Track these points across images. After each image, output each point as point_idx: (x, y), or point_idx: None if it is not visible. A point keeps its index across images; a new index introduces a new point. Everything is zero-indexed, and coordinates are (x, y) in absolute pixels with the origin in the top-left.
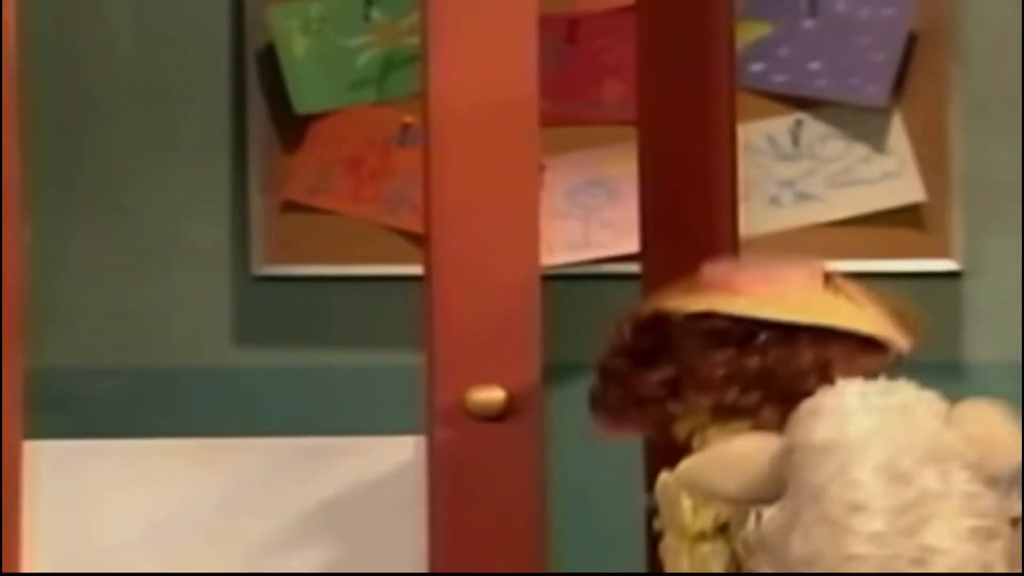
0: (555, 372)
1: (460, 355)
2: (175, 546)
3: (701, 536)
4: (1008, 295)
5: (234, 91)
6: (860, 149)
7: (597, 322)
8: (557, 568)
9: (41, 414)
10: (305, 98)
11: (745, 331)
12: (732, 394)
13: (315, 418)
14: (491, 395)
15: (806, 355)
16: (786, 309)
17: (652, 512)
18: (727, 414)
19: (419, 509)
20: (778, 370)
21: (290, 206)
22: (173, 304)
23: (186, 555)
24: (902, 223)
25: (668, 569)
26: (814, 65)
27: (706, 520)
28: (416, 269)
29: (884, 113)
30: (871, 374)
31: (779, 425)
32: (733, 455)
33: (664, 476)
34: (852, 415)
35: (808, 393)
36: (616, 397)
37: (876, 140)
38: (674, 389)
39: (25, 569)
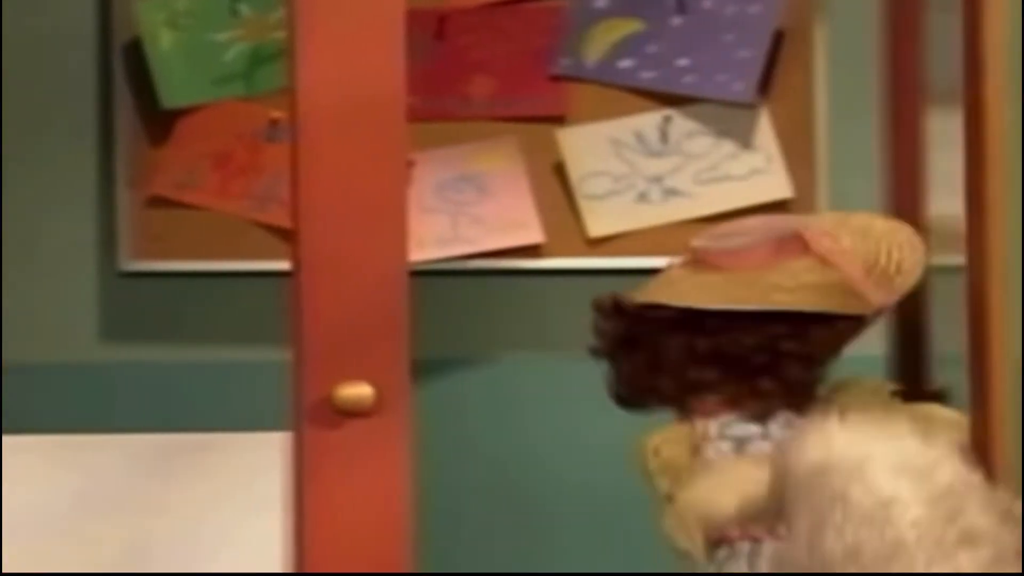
0: (424, 368)
1: (328, 351)
2: (29, 543)
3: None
4: None
5: (100, 86)
6: (728, 145)
7: (466, 317)
8: (422, 564)
9: None
10: (172, 93)
11: (694, 315)
12: (692, 372)
13: (182, 414)
14: (359, 391)
15: (749, 335)
16: (726, 296)
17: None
18: (692, 390)
19: (286, 505)
20: (727, 349)
21: (157, 201)
22: (39, 299)
23: (40, 553)
24: None
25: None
26: (682, 62)
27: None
28: (284, 265)
29: (751, 109)
30: (846, 336)
31: (748, 397)
32: (732, 484)
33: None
34: (835, 435)
35: (766, 367)
36: (611, 379)
37: (743, 136)
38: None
39: None
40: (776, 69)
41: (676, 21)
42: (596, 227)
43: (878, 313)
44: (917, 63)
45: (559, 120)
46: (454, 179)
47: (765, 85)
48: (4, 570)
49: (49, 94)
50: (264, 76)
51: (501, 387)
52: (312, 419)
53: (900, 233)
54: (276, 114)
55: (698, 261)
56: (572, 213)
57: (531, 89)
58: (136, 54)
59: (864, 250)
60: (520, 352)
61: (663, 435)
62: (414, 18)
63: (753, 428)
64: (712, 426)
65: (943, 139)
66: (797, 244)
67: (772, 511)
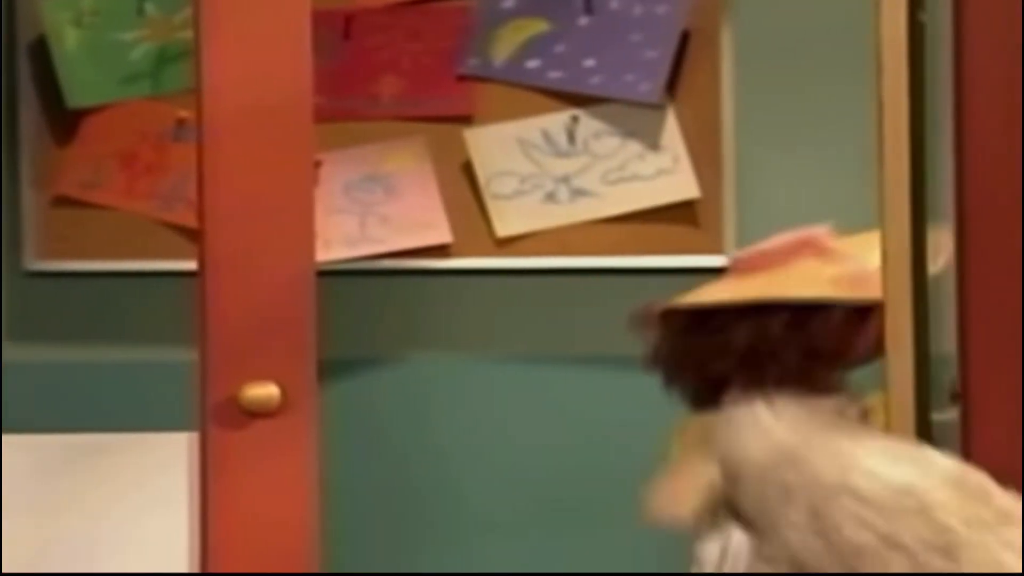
0: (331, 368)
1: (234, 351)
2: None
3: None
4: None
5: (5, 84)
6: (635, 146)
7: (374, 317)
8: (328, 564)
9: None
10: (78, 92)
11: (703, 315)
12: (713, 366)
13: (88, 415)
14: (265, 391)
15: (746, 327)
16: (731, 293)
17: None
18: (714, 385)
19: (192, 505)
20: (733, 343)
21: (62, 201)
22: None
23: None
24: (676, 219)
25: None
26: (589, 62)
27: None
28: (191, 265)
29: (658, 110)
30: (852, 331)
31: (756, 387)
32: (685, 482)
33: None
34: (774, 428)
35: (767, 357)
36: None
37: (650, 137)
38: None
39: None
40: (683, 70)
41: (583, 21)
42: (504, 227)
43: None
44: None
45: (467, 120)
46: (362, 179)
47: (672, 86)
48: None
49: None
50: (170, 75)
51: (409, 387)
52: (218, 419)
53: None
54: (183, 114)
55: (729, 271)
56: (480, 213)
57: (439, 89)
58: (41, 53)
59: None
60: (428, 352)
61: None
62: (321, 17)
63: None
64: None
65: None
66: (811, 247)
67: (718, 508)
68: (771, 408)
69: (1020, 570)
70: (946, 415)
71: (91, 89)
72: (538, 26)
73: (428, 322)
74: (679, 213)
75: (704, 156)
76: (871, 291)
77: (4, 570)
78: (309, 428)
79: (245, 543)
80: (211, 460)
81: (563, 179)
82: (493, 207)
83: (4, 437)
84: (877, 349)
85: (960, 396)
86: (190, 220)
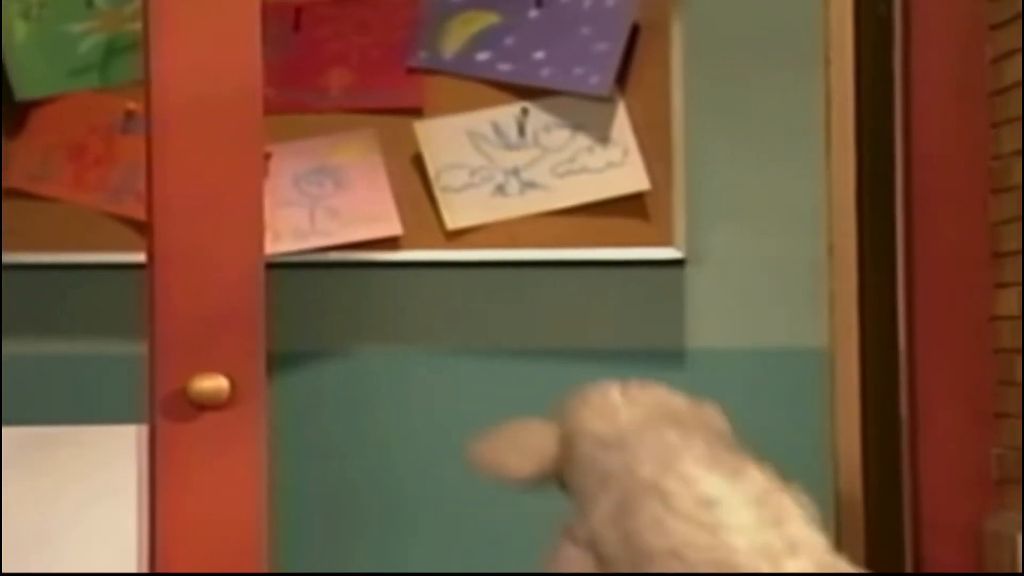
0: (280, 361)
1: (183, 343)
2: None
3: None
4: (729, 283)
5: None
6: (585, 138)
7: (323, 310)
8: (276, 558)
9: None
10: (26, 84)
11: None
12: None
13: (35, 408)
14: (214, 383)
15: None
16: None
17: None
18: None
19: (141, 497)
20: None
21: (10, 193)
22: None
23: None
24: (626, 212)
25: None
26: (539, 55)
27: None
28: (139, 257)
29: (608, 103)
30: None
31: None
32: (519, 440)
33: None
34: (620, 408)
35: None
36: None
37: (600, 129)
38: None
39: None
40: (633, 63)
41: (533, 14)
42: (454, 219)
43: None
44: None
45: (416, 112)
46: (311, 171)
47: (622, 78)
48: None
49: None
50: (119, 68)
51: (358, 380)
52: (167, 411)
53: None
54: (132, 106)
55: None
56: (430, 205)
57: (388, 81)
58: None
59: None
60: (377, 345)
61: None
62: (270, 9)
63: None
64: None
65: None
66: None
67: (554, 471)
68: (625, 392)
69: None
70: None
71: (39, 81)
72: (488, 18)
73: (378, 315)
74: (629, 205)
75: (654, 149)
76: None
77: None
78: (258, 420)
79: (194, 534)
80: (160, 452)
81: (513, 172)
82: (443, 199)
83: None
84: None
85: (908, 390)
86: (139, 212)
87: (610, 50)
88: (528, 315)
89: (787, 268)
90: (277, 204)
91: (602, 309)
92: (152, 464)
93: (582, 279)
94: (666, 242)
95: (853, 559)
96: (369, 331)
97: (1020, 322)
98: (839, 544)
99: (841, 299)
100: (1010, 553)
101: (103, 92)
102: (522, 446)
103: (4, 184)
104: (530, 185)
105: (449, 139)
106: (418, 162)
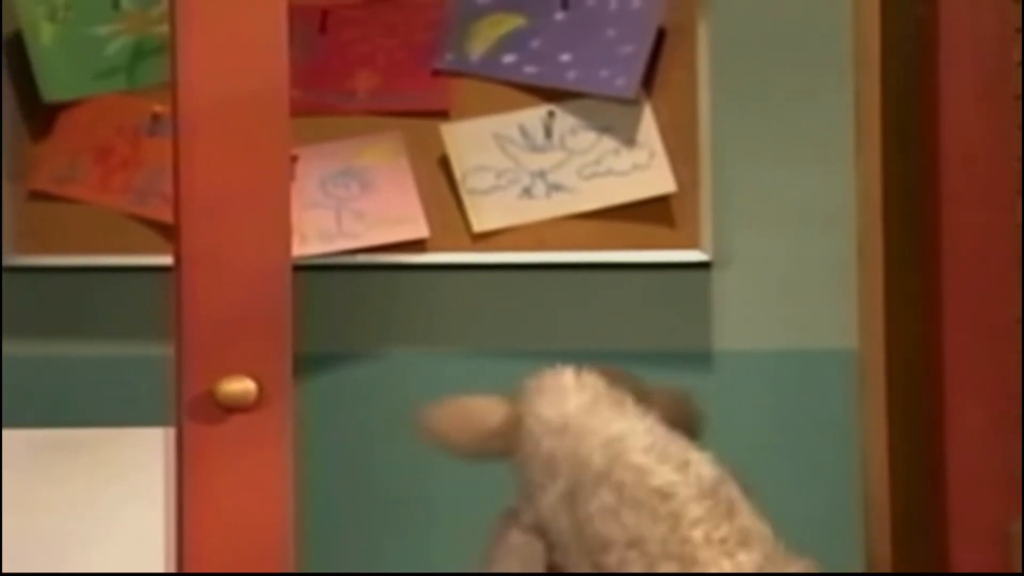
0: (307, 363)
1: (210, 346)
2: None
3: None
4: (756, 285)
5: None
6: (611, 141)
7: (350, 312)
8: (304, 560)
9: None
10: (53, 86)
11: None
12: None
13: (65, 410)
14: (241, 386)
15: None
16: None
17: None
18: None
19: (168, 500)
20: None
21: (37, 195)
22: None
23: None
24: (652, 214)
25: None
26: (565, 57)
27: None
28: (166, 260)
29: (634, 105)
30: None
31: None
32: (467, 413)
33: None
34: (570, 394)
35: None
36: None
37: (627, 132)
38: None
39: None
40: (659, 65)
41: (559, 16)
42: (480, 222)
43: None
44: None
45: (443, 115)
46: (338, 174)
47: (648, 81)
48: None
49: None
50: (146, 70)
51: (385, 382)
52: (194, 414)
53: None
54: (158, 108)
55: None
56: (456, 208)
57: (415, 84)
58: (17, 48)
59: None
60: (404, 347)
61: None
62: (297, 12)
63: None
64: None
65: None
66: None
67: (500, 449)
68: (578, 377)
69: None
70: None
71: (66, 84)
72: (514, 21)
73: (404, 317)
74: (655, 208)
75: (680, 151)
76: None
77: None
78: (285, 423)
79: (222, 537)
80: (187, 454)
81: (539, 174)
82: (469, 202)
83: None
84: None
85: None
86: (165, 215)
87: (636, 52)
88: (554, 317)
89: (814, 270)
90: (304, 206)
91: (629, 312)
92: (179, 466)
93: (609, 282)
94: (692, 245)
95: (880, 560)
96: (396, 333)
97: None
98: (866, 545)
99: (869, 300)
100: None
101: (129, 94)
102: (468, 421)
103: (31, 186)
104: (556, 187)
105: (475, 141)
106: (444, 164)
